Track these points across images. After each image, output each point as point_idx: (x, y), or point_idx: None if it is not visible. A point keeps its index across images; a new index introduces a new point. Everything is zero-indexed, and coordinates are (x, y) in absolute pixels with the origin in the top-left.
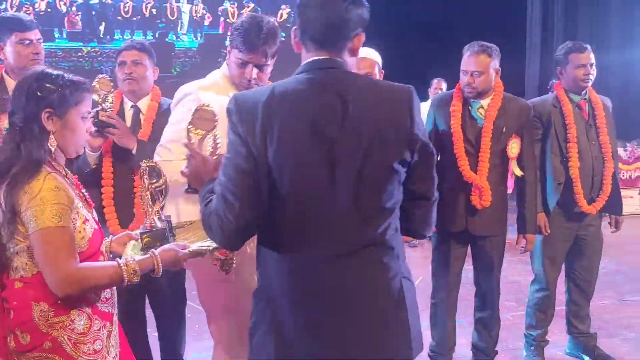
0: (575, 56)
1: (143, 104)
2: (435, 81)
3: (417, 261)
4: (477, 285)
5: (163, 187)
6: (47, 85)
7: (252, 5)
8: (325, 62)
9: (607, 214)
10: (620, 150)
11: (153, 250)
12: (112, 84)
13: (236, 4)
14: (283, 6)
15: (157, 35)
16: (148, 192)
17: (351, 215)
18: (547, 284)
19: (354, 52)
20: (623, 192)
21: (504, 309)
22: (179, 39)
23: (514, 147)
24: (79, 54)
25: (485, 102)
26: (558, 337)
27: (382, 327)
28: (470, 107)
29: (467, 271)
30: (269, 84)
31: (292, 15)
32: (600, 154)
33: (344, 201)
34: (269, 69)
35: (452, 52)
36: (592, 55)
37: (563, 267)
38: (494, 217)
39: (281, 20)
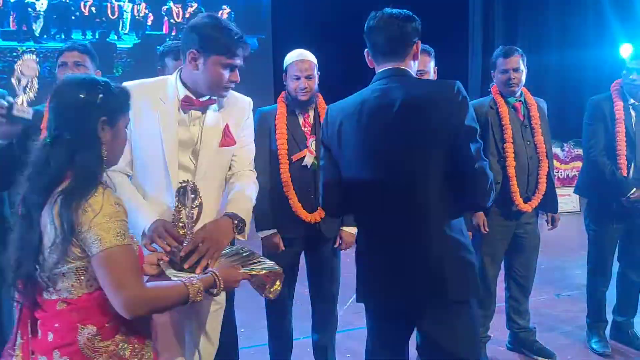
0: (501, 61)
1: None
2: None
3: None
4: None
5: (199, 205)
6: (101, 92)
7: (195, 5)
8: (391, 71)
9: (544, 212)
10: (557, 150)
11: (213, 269)
12: (37, 67)
13: (180, 4)
14: (224, 6)
15: (97, 35)
16: (193, 211)
17: (401, 194)
18: (488, 282)
19: (415, 57)
20: (560, 191)
21: None
22: (120, 39)
23: None
24: (14, 53)
25: None
26: (499, 332)
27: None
28: None
29: None
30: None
31: (233, 15)
32: (536, 153)
33: (395, 187)
34: None
35: None
36: (520, 60)
37: (502, 265)
38: None
39: None
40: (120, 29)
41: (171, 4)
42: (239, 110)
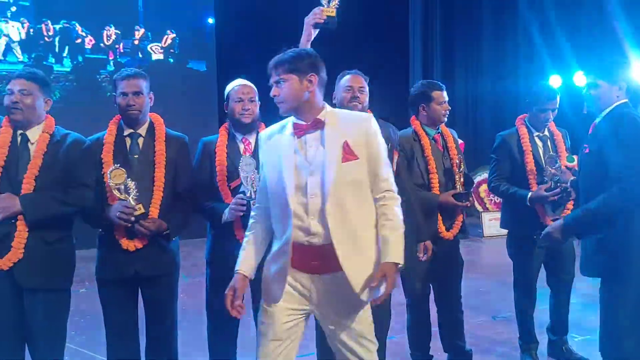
0: (438, 93)
1: (32, 133)
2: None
3: None
4: None
5: None
6: None
7: (142, 30)
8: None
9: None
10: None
11: None
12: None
13: (119, 29)
14: (169, 31)
15: (32, 58)
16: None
17: None
18: (419, 304)
19: None
20: (496, 215)
21: (389, 332)
22: (58, 62)
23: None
24: None
25: None
26: (440, 356)
27: None
28: None
29: None
30: None
31: (177, 40)
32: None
33: None
34: None
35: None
36: (446, 93)
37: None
38: None
39: (165, 45)
40: (57, 51)
41: (112, 28)
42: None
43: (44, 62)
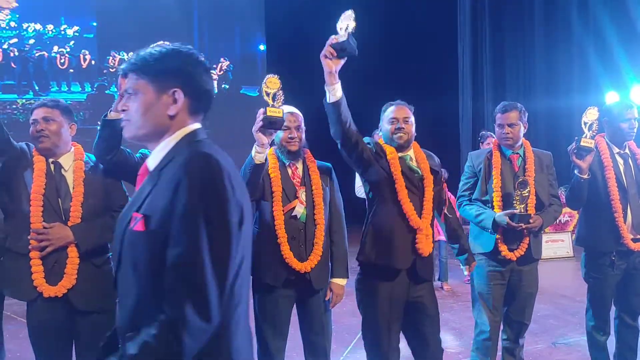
0: (498, 116)
1: (64, 160)
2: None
3: None
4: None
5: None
6: None
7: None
8: None
9: (541, 258)
10: None
11: None
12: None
13: None
14: (222, 59)
15: (95, 87)
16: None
17: None
18: (488, 328)
19: None
20: (554, 236)
21: (449, 356)
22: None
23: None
24: (14, 106)
25: (410, 152)
26: None
27: None
28: (404, 160)
29: None
30: None
31: (232, 67)
32: (525, 204)
33: None
34: None
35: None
36: (512, 115)
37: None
38: (429, 261)
39: (221, 73)
40: (118, 80)
41: None
42: None
43: (106, 92)
